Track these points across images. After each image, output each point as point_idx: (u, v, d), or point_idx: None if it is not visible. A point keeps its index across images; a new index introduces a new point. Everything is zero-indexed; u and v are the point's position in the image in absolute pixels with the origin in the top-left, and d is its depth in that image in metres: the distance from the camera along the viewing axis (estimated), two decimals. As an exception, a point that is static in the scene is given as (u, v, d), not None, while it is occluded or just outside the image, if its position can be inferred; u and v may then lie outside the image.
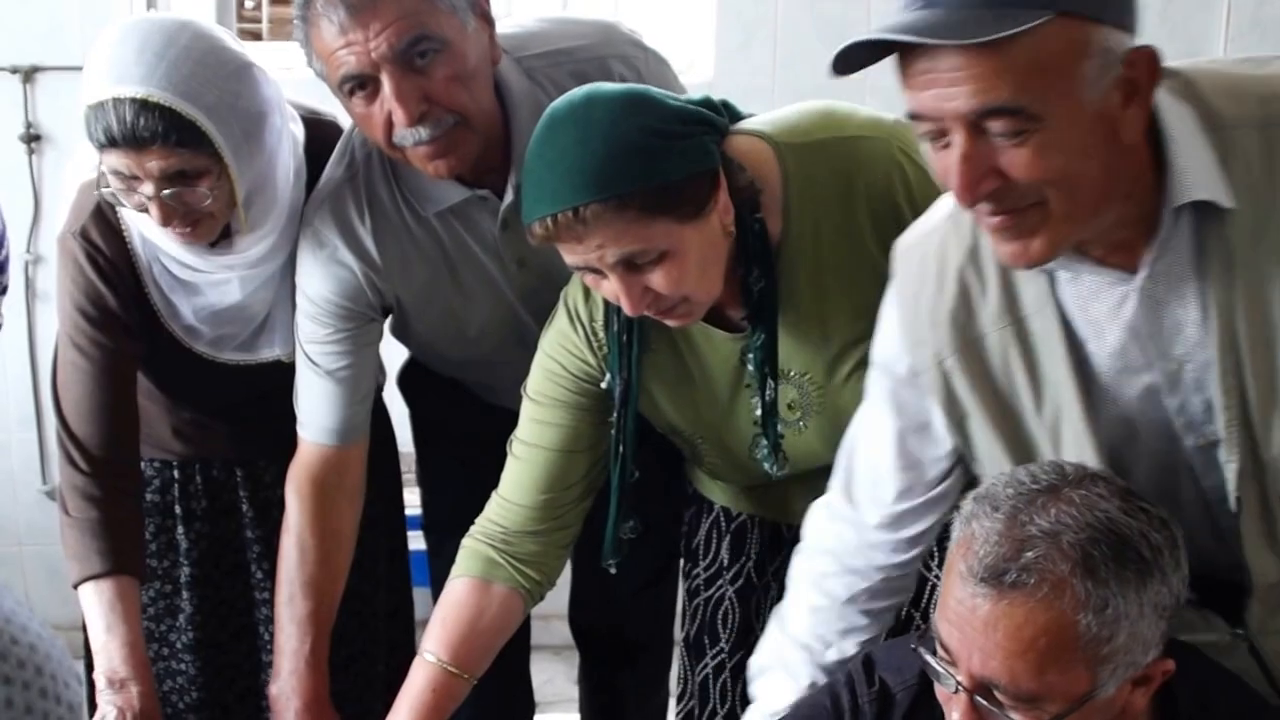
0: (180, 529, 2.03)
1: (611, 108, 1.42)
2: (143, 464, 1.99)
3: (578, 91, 1.46)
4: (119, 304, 1.81)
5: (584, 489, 1.70)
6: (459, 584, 1.69)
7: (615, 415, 1.62)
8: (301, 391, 1.81)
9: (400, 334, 1.90)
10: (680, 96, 1.50)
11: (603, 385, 1.63)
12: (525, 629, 2.19)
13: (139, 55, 1.59)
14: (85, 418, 1.82)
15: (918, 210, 1.45)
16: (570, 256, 1.45)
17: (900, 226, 1.44)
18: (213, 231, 1.73)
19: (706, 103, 1.52)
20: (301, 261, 1.77)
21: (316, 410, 1.81)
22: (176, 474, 2.02)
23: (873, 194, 1.50)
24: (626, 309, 1.48)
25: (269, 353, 1.89)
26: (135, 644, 1.78)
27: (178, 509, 2.03)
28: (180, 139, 1.60)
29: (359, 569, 1.94)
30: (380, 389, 2.06)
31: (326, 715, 1.84)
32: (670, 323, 1.52)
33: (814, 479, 1.64)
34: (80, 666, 1.49)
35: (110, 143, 1.60)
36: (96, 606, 1.78)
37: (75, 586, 1.80)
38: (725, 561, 1.80)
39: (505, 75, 1.69)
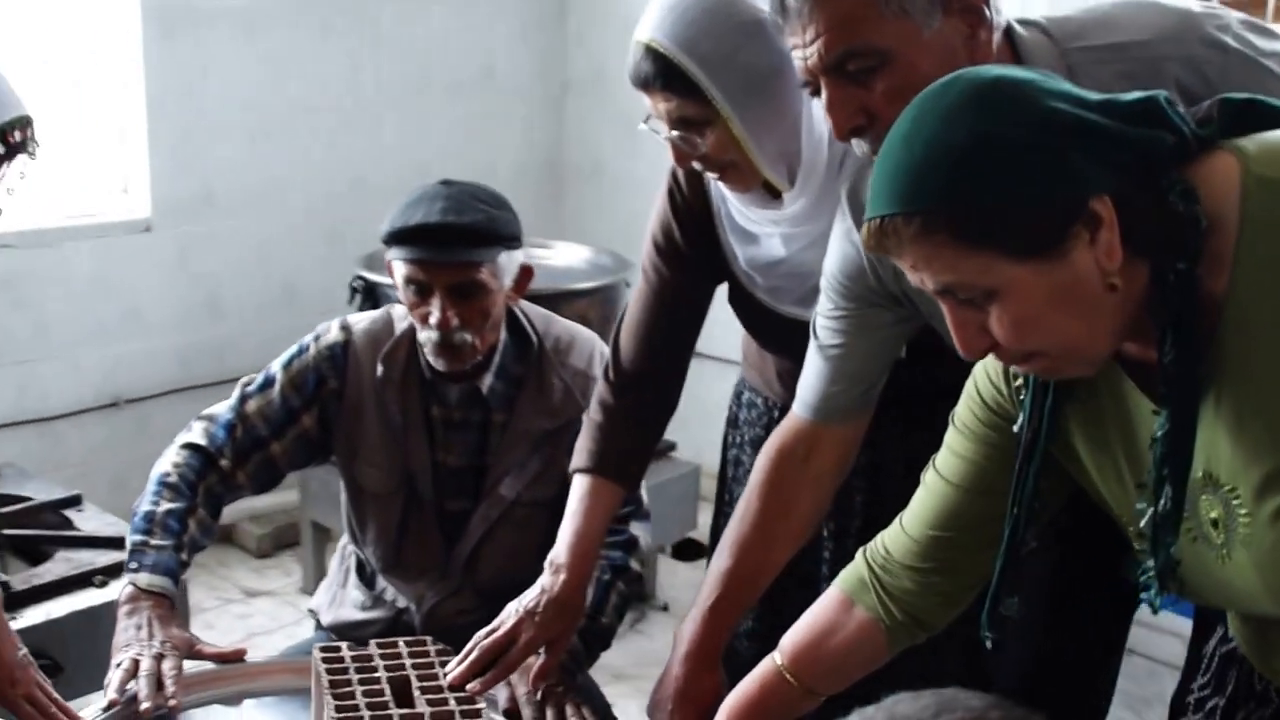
0: None
1: (957, 100, 1.28)
2: (757, 399, 2.32)
3: (954, 75, 1.32)
4: (685, 240, 2.09)
5: (982, 539, 1.57)
6: (830, 593, 1.71)
7: (1016, 467, 1.49)
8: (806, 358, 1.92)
9: None
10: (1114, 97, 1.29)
11: (1015, 427, 1.50)
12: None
13: (661, 5, 1.86)
14: (627, 334, 2.15)
15: None
16: (908, 275, 1.36)
17: None
18: (742, 181, 1.93)
19: (1146, 105, 1.28)
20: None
21: (804, 379, 1.90)
22: (777, 415, 2.24)
23: None
24: (959, 350, 1.36)
25: None
26: (584, 538, 2.09)
27: None
28: (668, 83, 1.84)
29: None
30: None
31: (708, 670, 1.94)
32: (1039, 375, 1.42)
33: None
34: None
35: (631, 82, 1.89)
36: (573, 496, 2.13)
37: (570, 475, 2.16)
38: (1211, 688, 1.63)
39: (1036, 57, 1.66)
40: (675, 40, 1.82)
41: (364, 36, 4.72)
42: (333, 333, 2.49)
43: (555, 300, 3.45)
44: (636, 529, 2.37)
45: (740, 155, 1.88)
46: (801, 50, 1.62)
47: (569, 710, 2.05)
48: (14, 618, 2.75)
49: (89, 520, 3.15)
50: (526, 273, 2.41)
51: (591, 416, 2.18)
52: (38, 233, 4.19)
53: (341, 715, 1.79)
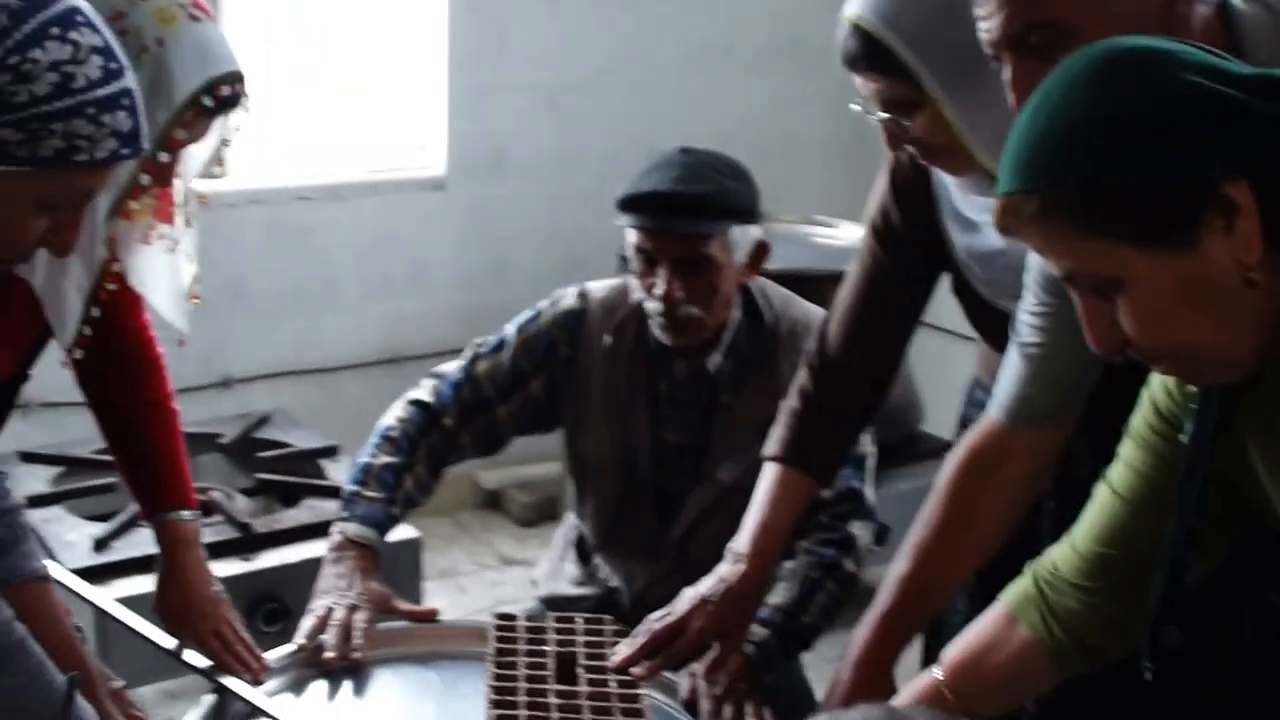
0: None
1: (1084, 71, 1.25)
2: (987, 398, 2.14)
3: (1093, 44, 1.30)
4: (903, 223, 2.05)
5: (1150, 560, 1.49)
6: (995, 607, 1.67)
7: (1180, 481, 1.42)
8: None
9: None
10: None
11: (1182, 437, 1.42)
12: None
13: None
14: (835, 319, 2.12)
15: None
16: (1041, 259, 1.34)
17: None
18: (957, 166, 1.89)
19: None
20: None
21: (1001, 378, 1.85)
22: None
23: None
24: (1090, 343, 1.31)
25: None
26: (767, 529, 2.06)
27: None
28: (873, 63, 1.81)
29: None
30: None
31: (875, 679, 1.87)
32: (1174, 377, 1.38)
33: None
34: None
35: (841, 61, 1.85)
36: (761, 484, 2.10)
37: (762, 461, 2.12)
38: None
39: (1256, 34, 1.59)
40: (880, 17, 1.79)
41: (670, 0, 4.77)
42: (569, 299, 2.52)
43: (823, 281, 3.38)
44: (857, 528, 2.31)
45: (953, 139, 1.82)
46: (986, 21, 1.58)
47: (748, 710, 2.01)
48: (250, 559, 2.91)
49: (342, 471, 3.29)
50: (762, 249, 2.38)
51: (789, 403, 2.14)
52: (333, 187, 4.41)
53: (498, 684, 1.82)
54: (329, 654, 2.04)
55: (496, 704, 1.79)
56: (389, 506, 2.33)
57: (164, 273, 1.95)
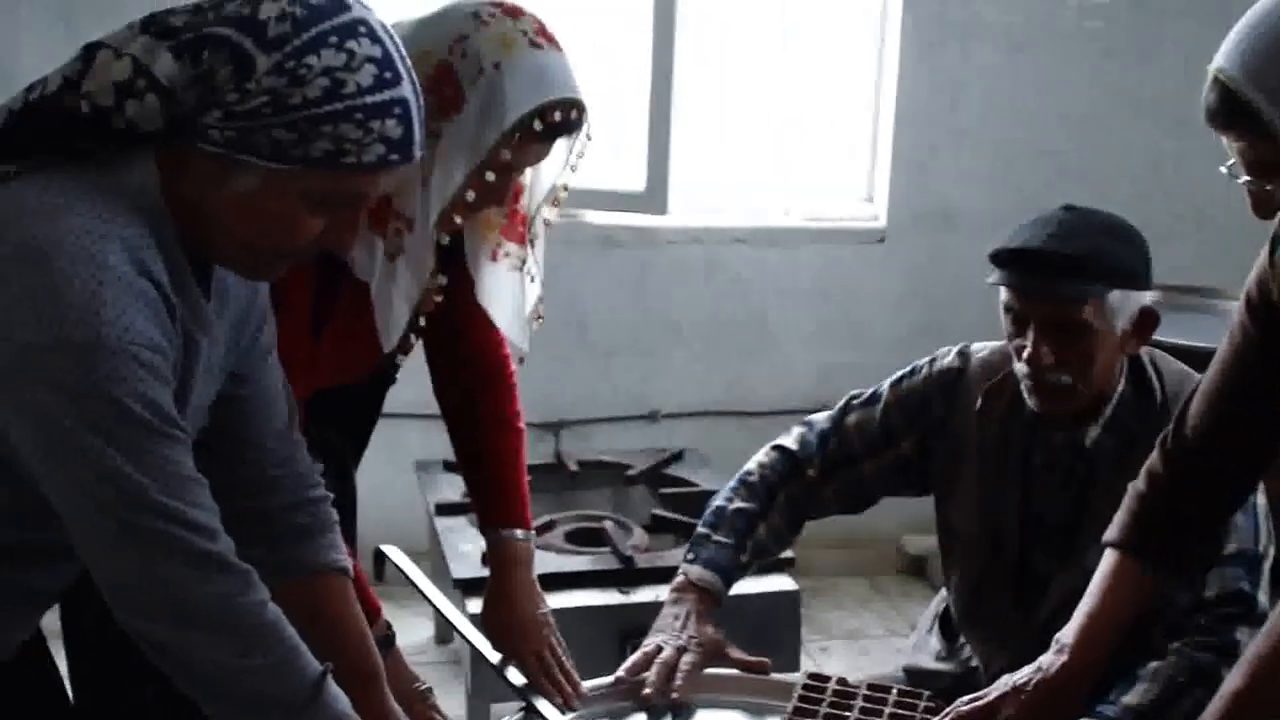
0: None
1: None
2: None
3: None
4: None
5: None
6: None
7: None
8: None
9: None
10: None
11: None
12: None
13: (1239, 26, 1.68)
14: (1197, 398, 1.96)
15: None
16: None
17: None
18: None
19: None
20: None
21: None
22: None
23: None
24: None
25: None
26: (1096, 621, 1.95)
27: None
28: (1231, 121, 1.67)
29: None
30: None
31: None
32: None
33: None
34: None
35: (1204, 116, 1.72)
36: (1099, 570, 2.00)
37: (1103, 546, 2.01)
38: None
39: None
40: (1244, 69, 1.63)
41: (1144, 56, 4.54)
42: (949, 358, 2.44)
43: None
44: (1243, 635, 2.10)
45: None
46: None
47: None
48: (627, 592, 2.97)
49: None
50: (1148, 317, 2.22)
51: (1135, 485, 1.99)
52: (772, 231, 4.46)
53: (784, 742, 1.77)
54: (647, 690, 2.05)
55: (776, 763, 1.75)
56: (737, 553, 2.32)
57: (509, 291, 2.03)
